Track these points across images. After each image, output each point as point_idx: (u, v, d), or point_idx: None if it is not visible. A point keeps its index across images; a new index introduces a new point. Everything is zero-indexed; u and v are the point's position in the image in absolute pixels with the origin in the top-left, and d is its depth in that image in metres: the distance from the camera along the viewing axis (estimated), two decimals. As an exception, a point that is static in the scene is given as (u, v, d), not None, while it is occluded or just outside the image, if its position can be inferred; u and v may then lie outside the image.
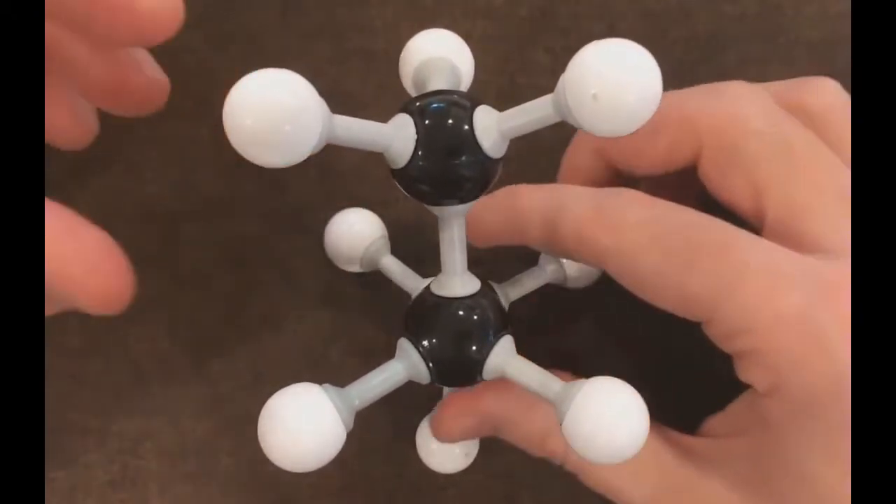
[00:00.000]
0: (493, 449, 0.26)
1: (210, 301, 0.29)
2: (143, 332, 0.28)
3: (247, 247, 0.29)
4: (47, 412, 0.27)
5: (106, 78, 0.23)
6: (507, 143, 0.20)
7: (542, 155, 0.29)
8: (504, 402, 0.24)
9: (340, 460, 0.29)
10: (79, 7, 0.19)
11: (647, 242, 0.21)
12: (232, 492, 0.28)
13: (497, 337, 0.22)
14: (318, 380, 0.30)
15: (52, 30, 0.20)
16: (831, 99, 0.24)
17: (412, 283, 0.26)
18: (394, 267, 0.26)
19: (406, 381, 0.22)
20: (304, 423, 0.19)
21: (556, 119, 0.18)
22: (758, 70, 0.29)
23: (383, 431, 0.28)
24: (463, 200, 0.20)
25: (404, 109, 0.20)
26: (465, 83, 0.23)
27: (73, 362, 0.28)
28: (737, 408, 0.23)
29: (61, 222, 0.18)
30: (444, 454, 0.26)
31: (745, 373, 0.22)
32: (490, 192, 0.21)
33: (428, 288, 0.22)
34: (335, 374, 0.28)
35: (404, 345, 0.22)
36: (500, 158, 0.20)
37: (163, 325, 0.29)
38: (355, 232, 0.27)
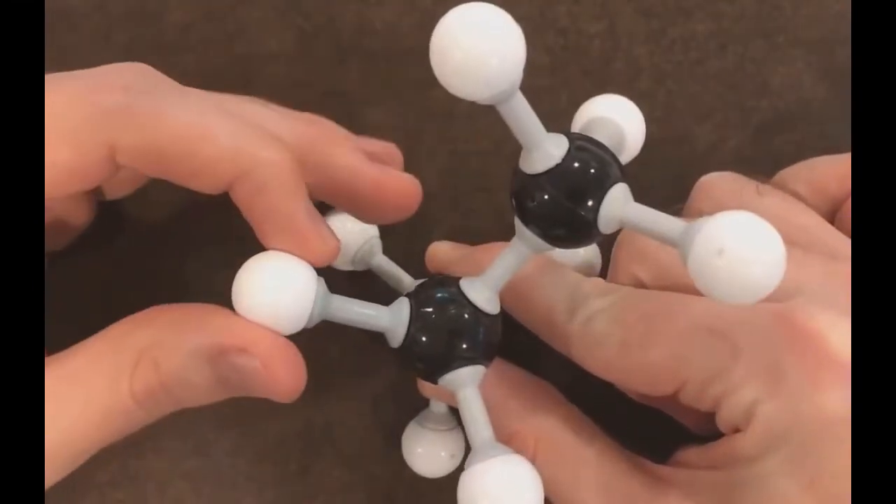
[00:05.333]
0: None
1: (209, 300, 0.29)
2: (142, 332, 0.28)
3: (246, 246, 0.29)
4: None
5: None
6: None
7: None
8: (485, 381, 0.24)
9: (340, 460, 0.29)
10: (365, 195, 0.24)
11: (605, 330, 0.23)
12: (231, 492, 0.28)
13: (470, 363, 0.22)
14: (318, 379, 0.30)
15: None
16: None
17: (404, 282, 0.26)
18: (386, 266, 0.26)
19: (381, 331, 0.22)
20: (279, 277, 0.21)
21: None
22: (757, 69, 0.29)
23: (383, 431, 0.28)
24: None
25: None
26: (630, 149, 0.24)
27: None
28: (713, 445, 0.23)
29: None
30: (429, 457, 0.26)
31: (723, 422, 0.22)
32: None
33: (458, 284, 0.22)
34: (334, 372, 0.28)
35: (402, 305, 0.22)
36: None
37: (162, 324, 0.29)
38: (348, 231, 0.27)
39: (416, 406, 0.27)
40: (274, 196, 0.21)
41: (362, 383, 0.28)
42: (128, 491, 0.28)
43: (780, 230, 0.24)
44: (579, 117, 0.24)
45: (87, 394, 0.21)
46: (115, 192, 0.25)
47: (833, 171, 0.26)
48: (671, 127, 0.29)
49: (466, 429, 0.21)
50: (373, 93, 0.29)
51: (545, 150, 0.20)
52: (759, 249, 0.17)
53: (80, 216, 0.26)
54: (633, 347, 0.22)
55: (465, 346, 0.22)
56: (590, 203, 0.20)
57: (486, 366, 0.22)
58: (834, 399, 0.20)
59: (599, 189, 0.20)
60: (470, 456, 0.20)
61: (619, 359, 0.22)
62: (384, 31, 0.29)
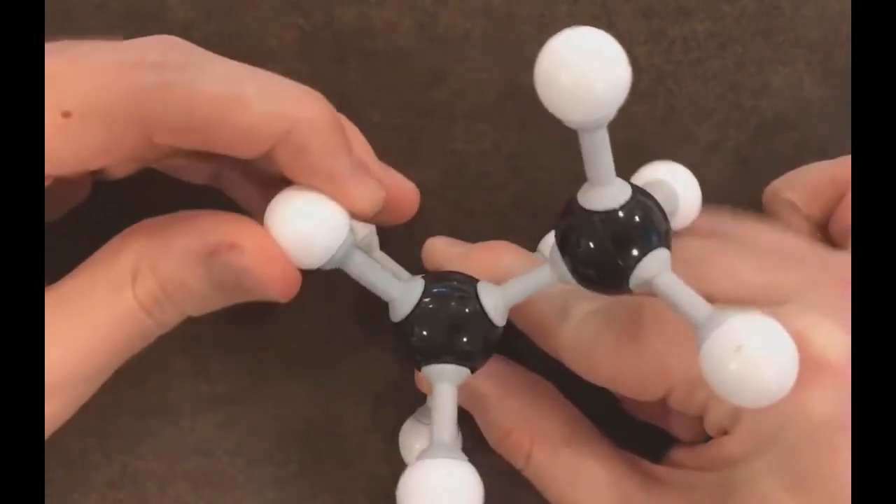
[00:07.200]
0: (492, 449, 0.26)
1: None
2: (142, 332, 0.28)
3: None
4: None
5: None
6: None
7: (544, 154, 0.29)
8: (483, 378, 0.24)
9: (340, 460, 0.29)
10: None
11: (596, 333, 0.23)
12: (231, 492, 0.28)
13: (459, 362, 0.22)
14: (319, 379, 0.30)
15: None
16: None
17: (402, 278, 0.26)
18: (383, 262, 0.26)
19: (388, 300, 0.22)
20: (316, 206, 0.21)
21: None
22: (757, 69, 0.29)
23: (383, 432, 0.28)
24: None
25: None
26: (685, 215, 0.24)
27: (73, 362, 0.28)
28: (703, 447, 0.23)
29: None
30: None
31: (710, 425, 0.22)
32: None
33: (476, 285, 0.22)
34: (335, 371, 0.28)
35: (416, 283, 0.22)
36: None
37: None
38: None
39: (416, 406, 0.27)
40: (315, 155, 0.21)
41: (362, 383, 0.28)
42: (128, 491, 0.28)
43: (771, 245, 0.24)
44: (640, 175, 0.24)
45: (92, 306, 0.21)
46: (118, 172, 0.25)
47: (825, 175, 0.26)
48: (671, 127, 0.29)
49: (432, 421, 0.21)
50: (373, 93, 0.29)
51: (609, 191, 0.20)
52: (776, 354, 0.17)
53: (78, 190, 0.25)
54: (623, 351, 0.22)
55: (461, 342, 0.22)
56: (632, 255, 0.20)
57: (472, 371, 0.22)
58: (820, 400, 0.20)
59: (645, 246, 0.20)
60: (422, 450, 0.20)
61: (608, 362, 0.23)
62: (384, 31, 0.29)
